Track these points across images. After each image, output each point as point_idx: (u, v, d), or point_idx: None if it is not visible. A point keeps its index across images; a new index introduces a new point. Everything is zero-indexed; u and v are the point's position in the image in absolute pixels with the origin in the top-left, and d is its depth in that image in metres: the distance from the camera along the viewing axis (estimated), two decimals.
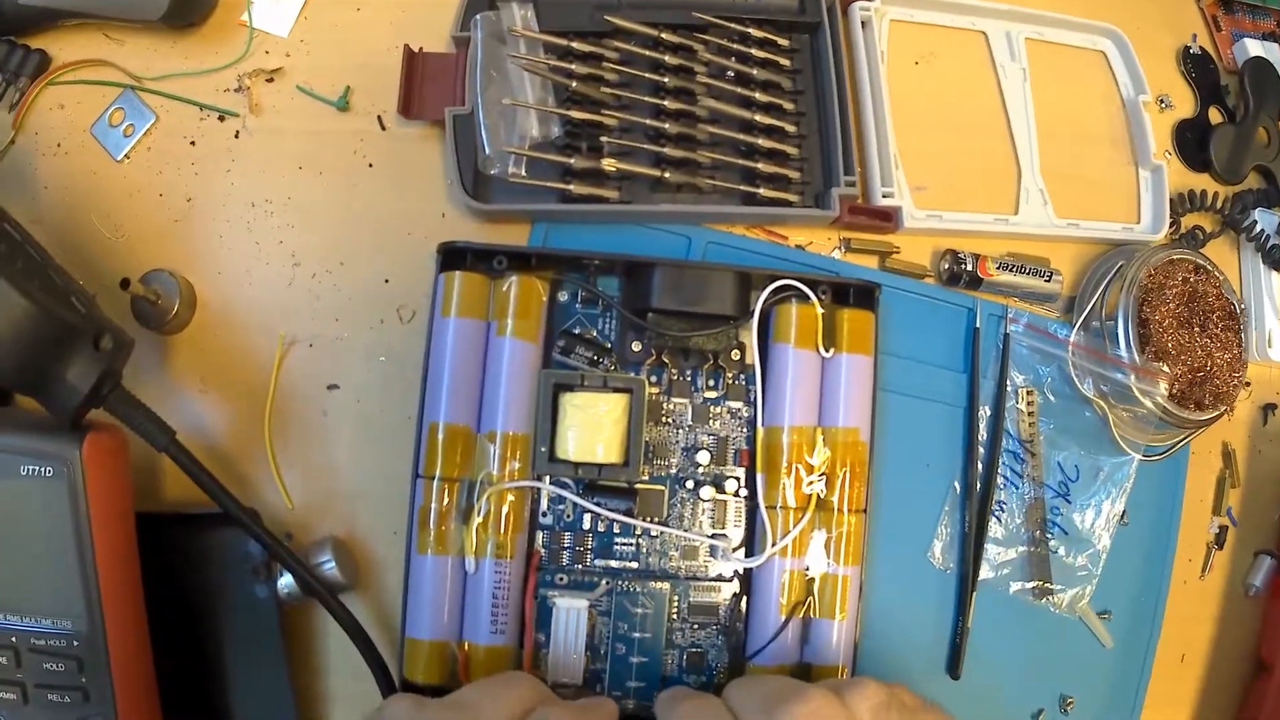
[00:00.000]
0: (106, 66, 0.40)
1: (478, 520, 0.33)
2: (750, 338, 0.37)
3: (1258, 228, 0.46)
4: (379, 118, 0.40)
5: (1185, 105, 0.48)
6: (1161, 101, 0.48)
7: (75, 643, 0.31)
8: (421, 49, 0.39)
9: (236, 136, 0.40)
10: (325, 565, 0.35)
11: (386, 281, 0.39)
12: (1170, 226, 0.45)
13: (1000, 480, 0.40)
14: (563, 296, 0.37)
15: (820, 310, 0.36)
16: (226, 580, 0.36)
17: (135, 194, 0.39)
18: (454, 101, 0.38)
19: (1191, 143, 0.47)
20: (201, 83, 0.40)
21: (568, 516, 0.36)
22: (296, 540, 0.37)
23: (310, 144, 0.40)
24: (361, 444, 0.38)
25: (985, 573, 0.40)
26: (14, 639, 0.31)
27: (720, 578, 0.36)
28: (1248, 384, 0.46)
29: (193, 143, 0.40)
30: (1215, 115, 0.48)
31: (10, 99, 0.39)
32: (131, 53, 0.40)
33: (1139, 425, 0.41)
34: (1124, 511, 0.42)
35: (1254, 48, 0.49)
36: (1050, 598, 0.40)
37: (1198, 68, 0.49)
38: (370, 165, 0.40)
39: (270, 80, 0.41)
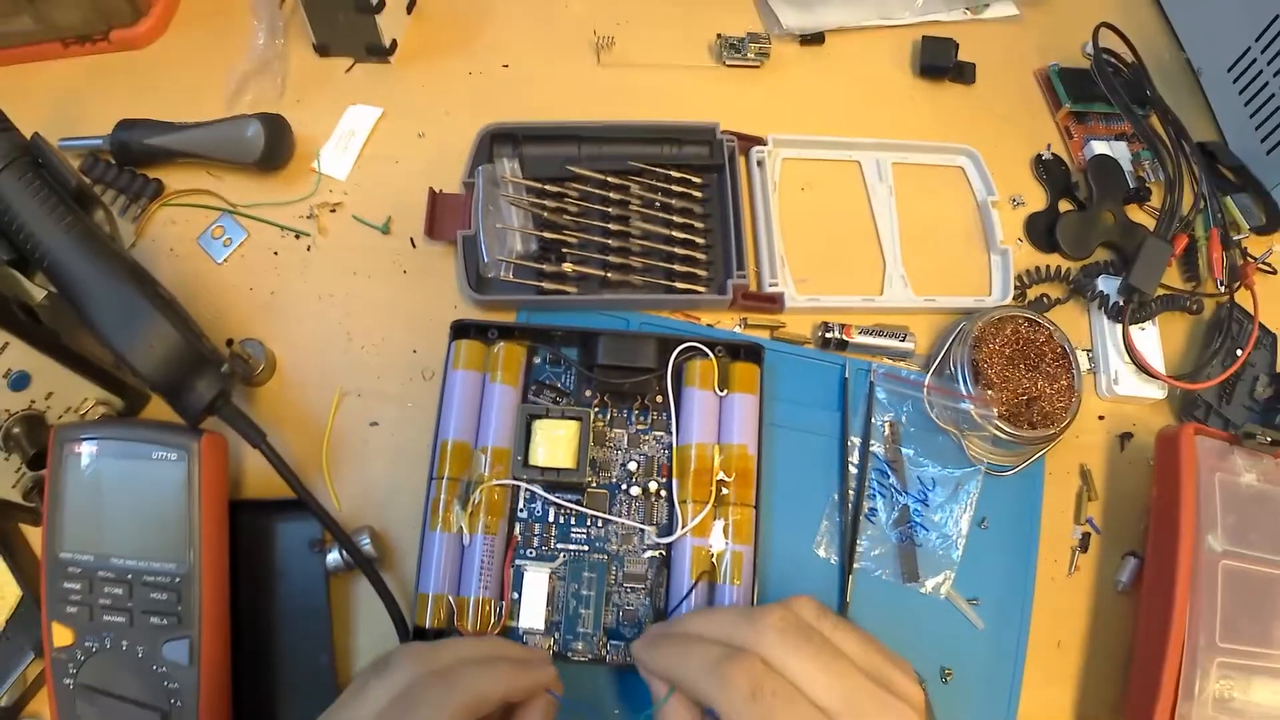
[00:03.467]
0: (209, 194, 0.58)
1: (472, 507, 0.51)
2: (666, 384, 0.54)
3: (1099, 288, 0.60)
4: (411, 239, 0.59)
5: (1038, 202, 0.64)
6: (1014, 200, 0.63)
7: (177, 579, 0.44)
8: (441, 190, 0.58)
9: (308, 250, 0.58)
10: (364, 544, 0.51)
11: (414, 351, 0.57)
12: (1017, 296, 0.60)
13: (870, 491, 0.55)
14: (537, 360, 0.55)
15: (716, 363, 0.53)
16: (288, 553, 0.50)
17: (232, 287, 0.57)
18: (463, 226, 0.57)
19: (1040, 230, 0.63)
20: (282, 210, 0.58)
21: (538, 512, 0.53)
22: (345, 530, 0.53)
23: (362, 256, 0.58)
24: (393, 465, 0.54)
25: (861, 562, 0.54)
26: (130, 576, 0.44)
27: (647, 553, 0.52)
28: (1101, 417, 0.60)
29: (276, 253, 0.57)
30: (1066, 206, 0.64)
31: (133, 213, 0.57)
32: (229, 186, 0.58)
33: (986, 445, 0.55)
34: (984, 518, 0.55)
35: (1100, 147, 0.65)
36: (918, 581, 0.54)
37: (1049, 170, 0.64)
38: (404, 271, 0.59)
39: (333, 211, 0.59)
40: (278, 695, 0.49)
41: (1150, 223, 0.64)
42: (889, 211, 0.61)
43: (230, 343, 0.55)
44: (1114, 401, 0.60)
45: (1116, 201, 0.64)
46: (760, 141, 0.61)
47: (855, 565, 0.54)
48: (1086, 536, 0.58)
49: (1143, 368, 0.59)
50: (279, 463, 0.48)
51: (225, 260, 0.58)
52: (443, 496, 0.51)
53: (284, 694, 0.49)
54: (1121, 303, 0.60)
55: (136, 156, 0.58)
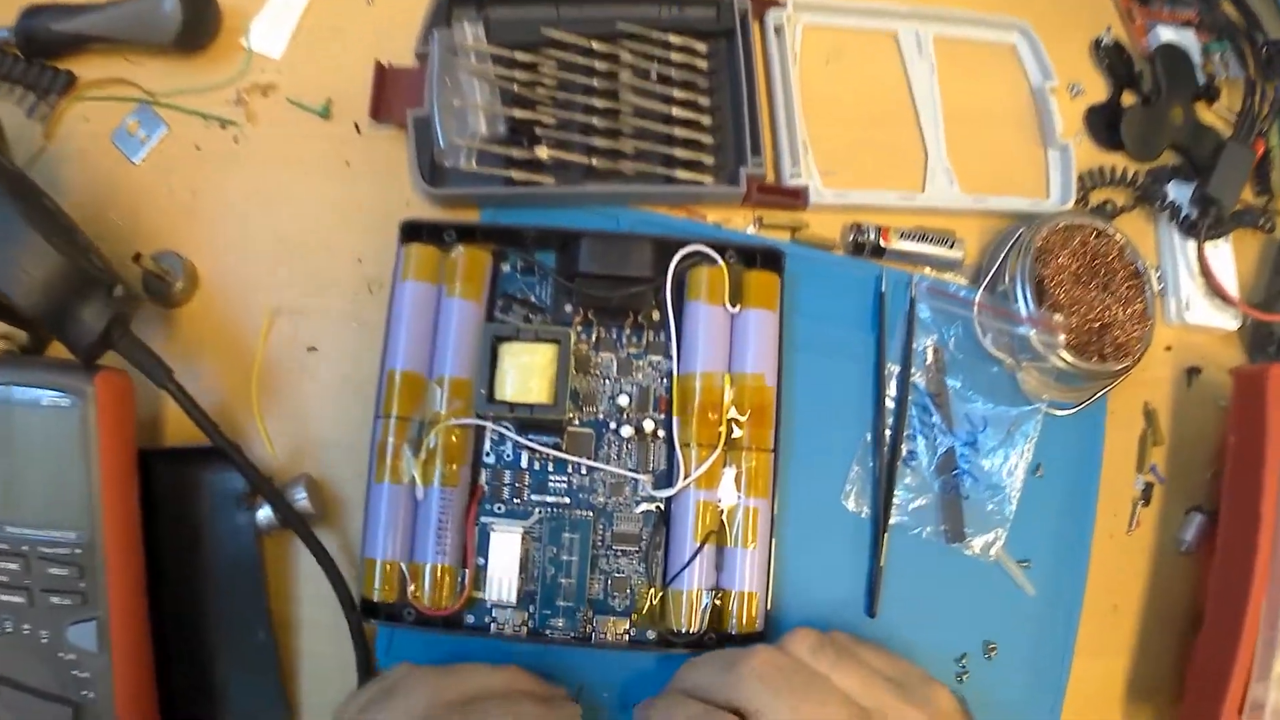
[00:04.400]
0: (125, 84, 0.49)
1: (426, 452, 0.40)
2: (665, 296, 0.43)
3: (1170, 198, 0.51)
4: (355, 124, 0.49)
5: (1098, 92, 0.54)
6: (1073, 89, 0.53)
7: (78, 551, 0.38)
8: (390, 63, 0.48)
9: (236, 142, 0.49)
10: (298, 498, 0.42)
11: (359, 261, 0.47)
12: (1079, 200, 0.50)
13: (910, 431, 0.45)
14: (505, 268, 0.44)
15: (727, 271, 0.43)
16: (214, 510, 0.43)
17: (149, 191, 0.48)
18: (415, 105, 0.46)
19: (1102, 125, 0.53)
20: (207, 97, 0.49)
21: (508, 456, 0.42)
22: (277, 482, 0.44)
23: (297, 147, 0.49)
24: (334, 398, 0.46)
25: (898, 517, 0.45)
26: (25, 547, 0.37)
27: (641, 508, 0.42)
28: (1169, 348, 0.51)
29: (198, 148, 0.48)
30: (1129, 99, 0.54)
31: (42, 113, 0.48)
32: (148, 73, 0.49)
33: (1045, 379, 0.46)
34: (1038, 464, 0.47)
35: (1167, 35, 0.55)
36: (964, 541, 0.45)
37: (1110, 57, 0.54)
38: (347, 163, 0.49)
39: (265, 94, 0.50)
40: (213, 677, 0.43)
41: (1220, 125, 0.55)
42: (931, 93, 0.50)
43: (138, 257, 0.45)
44: (1182, 330, 0.51)
45: (1185, 98, 0.54)
46: (778, 3, 0.50)
47: (891, 521, 0.44)
48: (1149, 487, 0.49)
49: (1219, 293, 0.50)
50: (189, 404, 0.40)
51: (142, 159, 0.48)
52: (390, 440, 0.41)
53: (219, 676, 0.43)
54: (1195, 215, 0.51)
55: (45, 46, 0.49)
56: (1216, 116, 0.56)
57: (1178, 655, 0.49)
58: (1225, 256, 0.52)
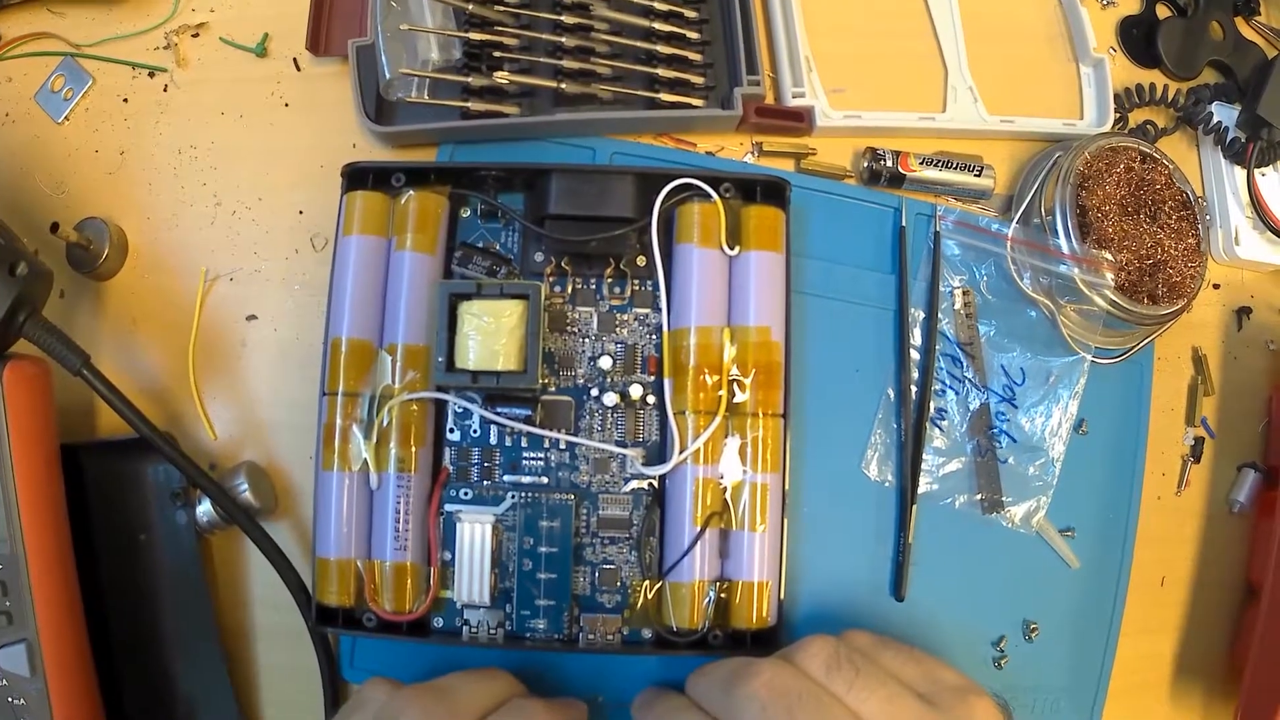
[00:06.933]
0: (50, 38, 0.42)
1: (379, 432, 0.32)
2: (651, 239, 0.35)
3: (1214, 119, 0.43)
4: (294, 60, 0.41)
5: (1130, 3, 0.46)
6: None
7: None
8: None
9: (165, 90, 0.41)
10: (240, 489, 0.34)
11: (301, 213, 0.39)
12: (1117, 122, 0.42)
13: (939, 386, 0.37)
14: (465, 213, 0.36)
15: (722, 207, 0.34)
16: (150, 508, 0.36)
17: (74, 152, 0.41)
18: (359, 34, 0.38)
19: (1138, 39, 0.44)
20: (134, 44, 0.42)
21: (474, 432, 0.34)
22: (219, 470, 0.37)
23: (231, 90, 0.41)
24: (279, 371, 0.38)
25: (927, 485, 0.37)
26: None
27: (630, 486, 0.34)
28: (1217, 286, 0.43)
29: (125, 100, 0.41)
30: (1163, 11, 0.46)
31: None
32: (72, 23, 0.42)
33: (1088, 323, 0.38)
34: (1081, 420, 0.39)
35: None
36: (1002, 511, 0.38)
37: None
38: (286, 105, 0.40)
39: (196, 35, 0.42)
40: (167, 696, 0.36)
41: (1261, 42, 0.47)
42: (948, 2, 0.42)
43: (55, 227, 0.38)
44: (1231, 266, 0.43)
45: (1225, 10, 0.46)
46: None
47: (919, 490, 0.37)
48: (1200, 442, 0.42)
49: (1271, 225, 0.42)
50: (108, 392, 0.33)
51: (66, 117, 0.41)
52: (338, 421, 0.32)
53: (173, 694, 0.36)
54: (1244, 139, 0.43)
55: None
56: (1255, 32, 0.48)
57: (1229, 629, 0.42)
58: (1276, 185, 0.44)
